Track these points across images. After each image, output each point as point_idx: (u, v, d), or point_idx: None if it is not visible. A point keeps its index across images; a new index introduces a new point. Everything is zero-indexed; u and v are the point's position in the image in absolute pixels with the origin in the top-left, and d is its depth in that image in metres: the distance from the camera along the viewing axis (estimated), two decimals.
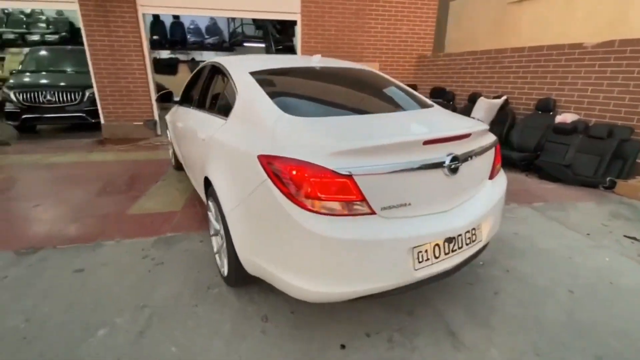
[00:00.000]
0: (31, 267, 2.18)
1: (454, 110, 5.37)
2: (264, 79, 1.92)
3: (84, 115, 6.13)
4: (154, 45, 10.98)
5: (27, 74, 6.39)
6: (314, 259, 1.30)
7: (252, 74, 1.95)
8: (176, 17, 10.82)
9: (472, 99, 5.14)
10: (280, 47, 9.17)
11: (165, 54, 11.50)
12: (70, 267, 2.18)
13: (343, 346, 1.57)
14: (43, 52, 6.97)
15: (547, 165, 3.92)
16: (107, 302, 1.85)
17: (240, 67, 2.08)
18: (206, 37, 11.23)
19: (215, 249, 2.08)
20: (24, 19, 9.80)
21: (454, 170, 1.42)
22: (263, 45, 10.07)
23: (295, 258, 1.33)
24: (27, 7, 9.05)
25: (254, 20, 10.14)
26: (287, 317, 1.73)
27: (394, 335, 1.63)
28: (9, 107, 5.91)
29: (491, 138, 1.73)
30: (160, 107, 6.16)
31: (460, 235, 1.47)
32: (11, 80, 6.25)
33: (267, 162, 1.34)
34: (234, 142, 1.67)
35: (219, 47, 11.12)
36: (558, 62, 4.27)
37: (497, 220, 1.77)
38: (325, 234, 1.24)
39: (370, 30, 6.37)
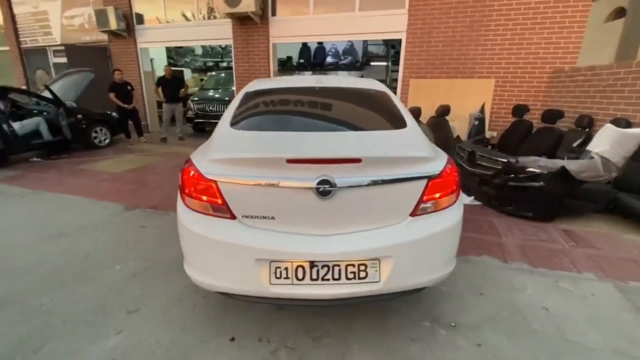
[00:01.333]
0: (124, 218, 3.28)
1: (587, 139, 4.08)
2: (249, 97, 2.23)
3: None
4: (299, 68, 13.07)
5: (204, 90, 8.93)
6: (188, 249, 1.54)
7: (247, 93, 2.31)
8: (320, 42, 12.43)
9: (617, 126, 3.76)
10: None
11: (308, 74, 13.38)
12: (139, 223, 3.14)
13: (233, 339, 1.72)
14: (217, 75, 9.55)
15: None
16: (139, 249, 2.62)
17: (247, 87, 2.46)
18: (342, 58, 12.37)
19: None
20: (221, 51, 13.56)
21: (323, 194, 1.35)
22: (384, 63, 10.27)
23: (183, 246, 1.60)
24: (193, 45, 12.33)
25: (383, 40, 10.48)
26: (198, 301, 2.02)
27: (282, 351, 1.64)
28: (189, 114, 8.43)
29: (424, 169, 1.46)
30: None
31: (329, 263, 1.37)
32: (194, 95, 8.90)
33: (185, 164, 1.67)
34: None
35: (351, 67, 12.05)
36: None
37: (418, 267, 1.47)
38: (192, 228, 1.48)
39: (486, 43, 5.60)
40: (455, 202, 1.57)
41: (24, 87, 9.17)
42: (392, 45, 9.75)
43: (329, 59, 12.65)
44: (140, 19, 8.14)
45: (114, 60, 8.46)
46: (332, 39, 6.92)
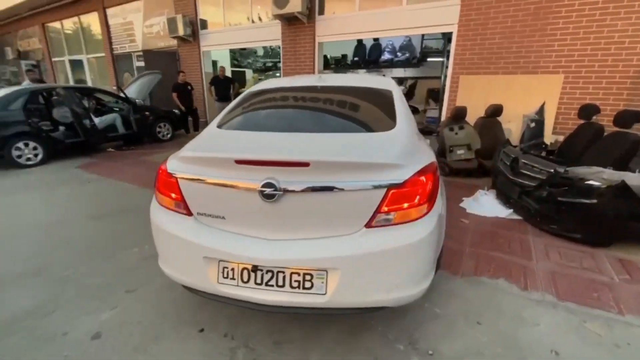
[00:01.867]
0: None
1: None
2: (249, 97, 2.28)
3: None
4: (352, 66, 12.90)
5: None
6: (156, 241, 1.64)
7: (249, 92, 2.36)
8: (376, 39, 12.10)
9: None
10: None
11: (362, 72, 13.15)
12: None
13: (202, 330, 1.79)
14: (272, 75, 9.96)
15: None
16: None
17: (252, 87, 2.51)
18: (398, 54, 11.87)
19: None
20: (279, 51, 14.09)
21: (268, 197, 1.31)
22: (442, 59, 9.55)
23: (154, 238, 1.69)
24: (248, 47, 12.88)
25: (443, 34, 9.76)
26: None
27: (241, 350, 1.66)
28: None
29: (383, 177, 1.31)
30: None
31: (273, 269, 1.33)
32: None
33: (162, 163, 1.75)
34: None
35: (407, 64, 11.50)
36: None
37: (371, 283, 1.34)
38: (156, 221, 1.57)
39: (554, 32, 4.82)
40: (424, 215, 1.39)
41: (113, 87, 10.74)
42: (449, 39, 9.01)
43: (385, 56, 12.25)
44: (204, 24, 8.89)
45: (181, 62, 9.40)
46: (377, 35, 6.71)
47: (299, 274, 1.33)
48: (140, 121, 6.96)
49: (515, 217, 3.26)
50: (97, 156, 6.24)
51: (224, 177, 1.37)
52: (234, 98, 8.23)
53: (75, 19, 12.11)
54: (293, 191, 1.31)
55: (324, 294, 1.33)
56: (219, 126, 1.91)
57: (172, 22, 8.62)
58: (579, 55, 4.76)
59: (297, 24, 7.07)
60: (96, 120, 6.43)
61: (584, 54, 4.73)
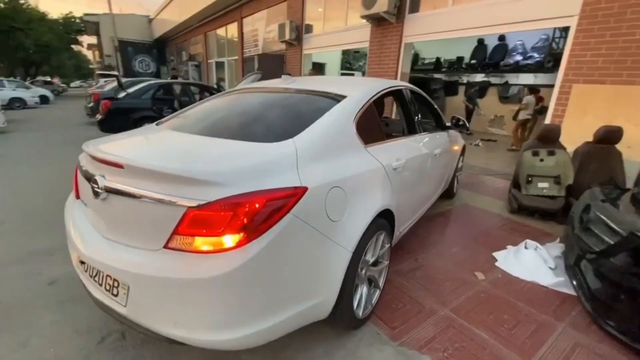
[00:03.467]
0: None
1: None
2: (214, 98, 2.33)
3: None
4: (468, 70, 11.24)
5: None
6: None
7: (223, 92, 2.41)
8: (502, 38, 10.26)
9: None
10: None
11: (478, 78, 11.40)
12: None
13: None
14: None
15: None
16: None
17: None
18: (532, 55, 9.71)
19: None
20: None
21: (95, 194, 1.32)
22: None
23: None
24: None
25: None
26: None
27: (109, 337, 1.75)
28: None
29: (184, 194, 1.13)
30: None
31: (90, 265, 1.35)
32: None
33: None
34: None
35: (539, 68, 9.30)
36: None
37: (160, 311, 1.18)
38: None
39: None
40: (232, 248, 1.11)
41: (215, 85, 12.59)
42: None
43: (512, 58, 10.20)
44: (308, 29, 9.45)
45: (287, 64, 10.28)
46: (475, 33, 5.60)
47: (110, 277, 1.30)
48: None
49: (566, 290, 2.24)
50: None
51: (84, 166, 1.48)
52: None
53: (224, 28, 14.82)
54: (112, 192, 1.28)
55: (124, 306, 1.25)
56: (157, 123, 2.03)
57: (282, 28, 9.51)
58: None
59: (385, 25, 6.69)
60: None
61: None
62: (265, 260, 1.16)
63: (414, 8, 6.36)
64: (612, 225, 2.00)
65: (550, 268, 2.44)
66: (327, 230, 1.37)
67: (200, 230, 1.13)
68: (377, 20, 6.76)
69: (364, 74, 14.98)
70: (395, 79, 6.73)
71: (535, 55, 9.71)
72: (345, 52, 14.15)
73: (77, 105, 16.17)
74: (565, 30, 8.44)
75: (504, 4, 4.90)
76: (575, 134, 3.94)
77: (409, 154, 2.20)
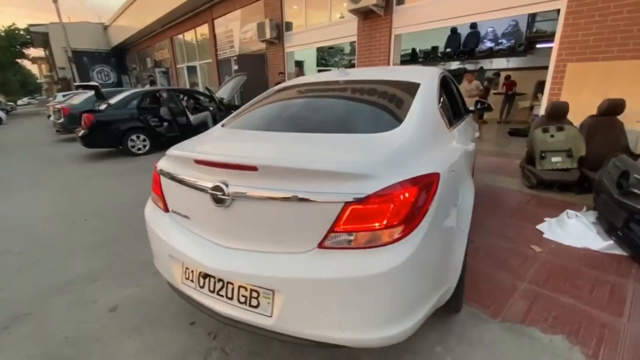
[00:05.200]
0: None
1: None
2: (270, 94, 2.24)
3: None
4: (443, 58, 11.67)
5: None
6: (149, 236, 1.72)
7: (274, 89, 2.32)
8: (473, 26, 10.71)
9: None
10: None
11: (453, 65, 11.85)
12: None
13: (193, 323, 1.84)
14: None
15: None
16: None
17: (280, 85, 2.45)
18: (502, 41, 10.24)
19: None
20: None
21: (217, 201, 1.22)
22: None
23: None
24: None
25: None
26: None
27: (216, 352, 1.63)
28: None
29: (340, 189, 1.07)
30: None
31: (223, 278, 1.24)
32: None
33: None
34: None
35: (511, 52, 9.83)
36: None
37: (320, 315, 1.11)
38: (146, 215, 1.66)
39: None
40: (396, 240, 1.08)
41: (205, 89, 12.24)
42: None
43: (485, 45, 10.71)
44: (288, 26, 9.33)
45: (268, 64, 10.10)
46: (462, 21, 5.83)
47: (246, 289, 1.21)
48: (225, 117, 7.75)
49: (617, 251, 2.40)
50: None
51: (187, 176, 1.35)
52: None
53: (193, 31, 14.26)
54: (243, 197, 1.19)
55: (270, 316, 1.17)
56: (223, 125, 1.91)
57: (261, 27, 9.32)
58: None
59: (373, 18, 6.75)
60: (191, 117, 7.43)
61: None
62: (424, 249, 1.14)
63: (401, 0, 6.48)
64: None
65: (597, 233, 2.60)
66: (454, 214, 1.36)
67: (362, 225, 1.08)
68: (364, 14, 6.81)
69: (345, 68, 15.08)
70: None
71: (505, 41, 10.28)
72: (319, 49, 14.15)
73: (36, 123, 14.92)
74: (533, 15, 9.06)
75: None
76: (574, 109, 4.20)
77: (468, 136, 2.24)
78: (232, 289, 1.24)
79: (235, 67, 11.66)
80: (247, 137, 1.67)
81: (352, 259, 1.09)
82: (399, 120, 1.48)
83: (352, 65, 14.24)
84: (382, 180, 1.10)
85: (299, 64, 12.16)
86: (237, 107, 8.05)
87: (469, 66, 11.49)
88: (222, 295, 1.27)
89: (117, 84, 22.00)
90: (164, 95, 6.95)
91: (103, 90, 6.89)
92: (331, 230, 1.09)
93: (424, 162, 1.27)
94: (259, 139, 1.58)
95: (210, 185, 1.24)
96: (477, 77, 11.03)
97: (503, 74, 10.34)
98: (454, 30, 11.14)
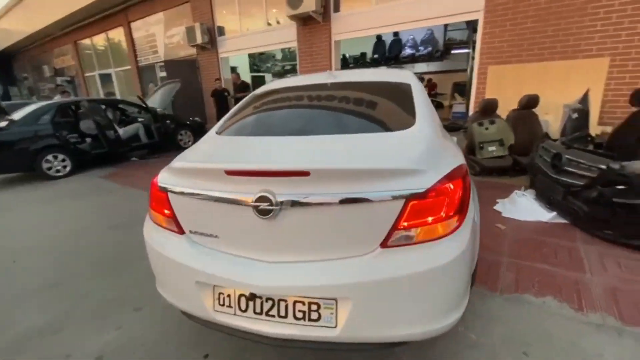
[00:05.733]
0: None
1: None
2: (254, 99, 2.12)
3: None
4: (372, 64, 12.54)
5: None
6: (151, 262, 1.49)
7: (254, 95, 2.20)
8: (396, 34, 11.70)
9: None
10: None
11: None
12: None
13: (206, 356, 1.63)
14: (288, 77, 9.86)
15: None
16: None
17: (258, 89, 2.34)
18: (420, 49, 11.41)
19: None
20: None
21: (263, 213, 1.11)
22: (467, 50, 9.01)
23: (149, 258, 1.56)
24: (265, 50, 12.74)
25: (467, 23, 9.24)
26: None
27: None
28: None
29: (400, 186, 1.08)
30: None
31: (273, 297, 1.14)
32: None
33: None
34: None
35: (430, 57, 11.01)
36: None
37: (389, 315, 1.11)
38: (148, 240, 1.42)
39: (597, 11, 4.31)
40: (454, 230, 1.14)
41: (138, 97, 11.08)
42: (475, 28, 8.51)
43: (406, 51, 11.82)
44: (221, 31, 8.95)
45: (201, 70, 9.53)
46: (397, 29, 6.36)
47: (303, 303, 1.13)
48: (161, 130, 7.06)
49: (560, 220, 2.88)
50: (121, 166, 6.38)
51: (215, 190, 1.20)
52: None
53: (104, 35, 12.68)
54: (292, 205, 1.10)
55: (334, 327, 1.11)
56: (219, 132, 1.75)
57: (190, 31, 8.75)
58: (627, 35, 4.22)
59: (312, 24, 6.90)
60: (120, 131, 6.59)
61: (633, 32, 4.19)
62: (472, 237, 1.21)
63: (337, 7, 6.75)
64: (590, 164, 2.66)
65: (541, 207, 3.07)
66: (476, 201, 1.48)
67: (422, 220, 1.10)
68: (303, 20, 6.91)
69: (274, 75, 15.02)
70: None
71: (422, 48, 11.50)
72: (251, 55, 13.90)
73: None
74: (446, 26, 10.29)
75: (424, 2, 5.67)
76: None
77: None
78: (286, 307, 1.14)
79: (162, 74, 10.74)
80: (266, 143, 1.51)
81: (417, 254, 1.10)
82: (412, 118, 1.55)
83: (286, 71, 14.34)
84: (432, 174, 1.14)
85: (233, 70, 11.79)
86: (171, 117, 7.41)
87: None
88: (272, 316, 1.16)
89: (4, 96, 18.29)
90: (85, 106, 6.02)
91: (2, 103, 5.67)
92: (395, 228, 1.09)
93: (450, 155, 1.35)
94: (283, 145, 1.45)
95: (252, 197, 1.13)
96: None
97: (425, 77, 11.51)
98: (379, 38, 12.03)
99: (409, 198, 1.08)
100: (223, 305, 1.22)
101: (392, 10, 6.06)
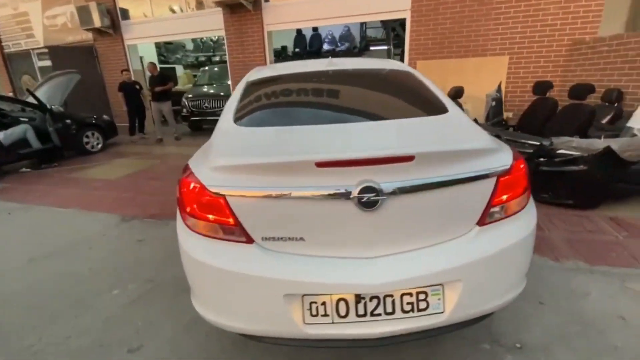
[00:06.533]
0: (120, 231, 2.96)
1: (617, 115, 3.75)
2: (252, 87, 1.90)
3: None
4: (295, 57, 12.57)
5: (198, 87, 8.50)
6: (196, 282, 1.23)
7: (250, 82, 1.97)
8: (315, 29, 11.92)
9: None
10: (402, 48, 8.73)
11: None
12: (137, 237, 2.83)
13: None
14: (210, 70, 9.10)
15: None
16: (145, 265, 2.32)
17: (248, 76, 2.13)
18: (339, 44, 11.90)
19: None
20: (212, 44, 13.04)
21: (368, 205, 1.03)
22: (385, 47, 9.82)
23: (189, 278, 1.29)
24: (183, 38, 11.79)
25: (382, 22, 10.03)
26: (212, 329, 1.62)
27: None
28: (183, 112, 8.02)
29: (491, 164, 1.14)
30: None
31: (379, 294, 1.06)
32: (187, 92, 8.49)
33: (184, 174, 1.33)
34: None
35: (349, 53, 11.57)
36: None
37: (489, 290, 1.16)
38: (198, 257, 1.16)
39: (498, 17, 5.20)
40: (527, 203, 1.26)
41: (10, 94, 8.74)
42: (393, 28, 9.32)
43: (325, 47, 12.17)
44: (125, 14, 7.68)
45: (101, 59, 8.03)
46: (330, 23, 6.50)
47: (411, 295, 1.08)
48: (61, 131, 5.73)
49: None
50: (9, 180, 4.97)
51: (301, 187, 1.04)
52: (169, 98, 7.17)
53: None
54: (397, 194, 1.05)
55: (442, 312, 1.10)
56: (240, 124, 1.50)
57: (84, 12, 7.26)
58: (520, 38, 5.21)
59: (242, 12, 6.50)
60: (0, 135, 5.10)
61: (524, 36, 5.19)
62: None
63: None
64: (524, 141, 3.22)
65: None
66: None
67: (509, 195, 1.17)
68: (230, 7, 6.46)
69: (186, 67, 13.68)
70: (265, 64, 6.78)
71: (340, 44, 12.04)
72: (157, 45, 12.34)
73: None
74: (363, 24, 10.93)
75: None
76: None
77: None
78: (393, 302, 1.08)
79: (42, 63, 8.68)
80: (325, 131, 1.35)
81: (507, 228, 1.18)
82: (439, 102, 1.61)
83: (200, 63, 13.18)
84: (507, 152, 1.22)
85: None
86: (69, 116, 6.05)
87: None
88: (378, 315, 1.08)
89: None
90: None
91: None
92: (489, 205, 1.14)
93: (496, 139, 1.47)
94: (346, 132, 1.32)
95: (353, 189, 1.02)
96: None
97: None
98: (299, 32, 12.08)
99: (500, 175, 1.14)
100: (316, 315, 1.08)
101: (325, 4, 6.14)
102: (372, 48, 10.75)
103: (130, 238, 2.83)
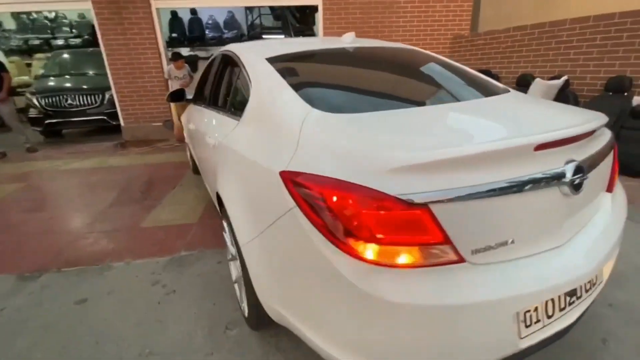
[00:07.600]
0: (31, 296, 1.92)
1: None
2: (284, 66, 1.50)
3: (105, 118, 6.02)
4: (173, 43, 10.89)
5: (50, 78, 6.34)
6: (364, 328, 0.87)
7: (270, 60, 1.54)
8: (194, 12, 10.61)
9: (523, 82, 4.46)
10: (301, 36, 8.72)
11: (184, 52, 11.33)
12: (73, 296, 1.90)
13: None
14: (64, 56, 6.93)
15: (625, 157, 3.25)
16: (107, 345, 1.53)
17: (255, 53, 1.68)
18: (224, 31, 10.96)
19: (233, 277, 1.72)
20: (49, 24, 9.94)
21: (576, 187, 0.94)
22: (282, 36, 9.64)
23: (335, 323, 0.91)
24: (41, 9, 8.98)
25: (272, 10, 9.74)
26: None
27: None
28: (32, 113, 5.87)
29: (606, 134, 1.21)
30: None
31: (560, 294, 0.99)
32: (34, 86, 6.23)
33: (294, 183, 0.92)
34: (248, 152, 1.27)
35: (238, 41, 10.79)
36: (634, 32, 3.53)
37: (616, 251, 1.26)
38: (385, 296, 0.81)
39: (399, 10, 5.76)
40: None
41: None
42: (294, 15, 9.16)
43: (209, 33, 10.96)
44: None
45: None
46: (230, 5, 5.85)
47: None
48: None
49: None
50: None
51: (518, 177, 0.85)
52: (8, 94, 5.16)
53: None
54: (592, 171, 1.01)
55: (602, 281, 1.12)
56: (333, 112, 1.13)
57: None
58: (417, 30, 5.93)
59: None
60: None
61: (419, 28, 5.93)
62: None
63: None
64: None
65: None
66: None
67: (616, 164, 1.27)
68: None
69: (9, 52, 10.10)
70: (158, 51, 5.60)
71: (226, 31, 11.08)
72: None
73: None
74: (250, 9, 10.33)
75: None
76: None
77: None
78: (583, 284, 1.03)
79: None
80: (458, 110, 1.24)
81: (619, 192, 1.28)
82: (487, 81, 1.64)
83: (31, 48, 9.88)
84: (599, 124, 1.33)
85: None
86: None
87: (201, 53, 11.42)
88: (572, 303, 1.01)
89: None
90: None
91: None
92: (613, 172, 1.21)
93: None
94: (475, 111, 1.23)
95: (567, 169, 0.91)
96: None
97: None
98: (174, 15, 10.45)
99: (614, 145, 1.22)
100: (530, 325, 0.92)
101: None
102: (265, 37, 10.33)
103: (64, 300, 1.86)
